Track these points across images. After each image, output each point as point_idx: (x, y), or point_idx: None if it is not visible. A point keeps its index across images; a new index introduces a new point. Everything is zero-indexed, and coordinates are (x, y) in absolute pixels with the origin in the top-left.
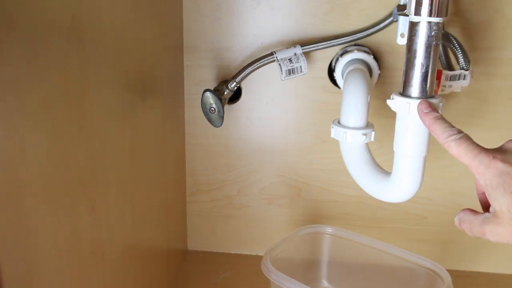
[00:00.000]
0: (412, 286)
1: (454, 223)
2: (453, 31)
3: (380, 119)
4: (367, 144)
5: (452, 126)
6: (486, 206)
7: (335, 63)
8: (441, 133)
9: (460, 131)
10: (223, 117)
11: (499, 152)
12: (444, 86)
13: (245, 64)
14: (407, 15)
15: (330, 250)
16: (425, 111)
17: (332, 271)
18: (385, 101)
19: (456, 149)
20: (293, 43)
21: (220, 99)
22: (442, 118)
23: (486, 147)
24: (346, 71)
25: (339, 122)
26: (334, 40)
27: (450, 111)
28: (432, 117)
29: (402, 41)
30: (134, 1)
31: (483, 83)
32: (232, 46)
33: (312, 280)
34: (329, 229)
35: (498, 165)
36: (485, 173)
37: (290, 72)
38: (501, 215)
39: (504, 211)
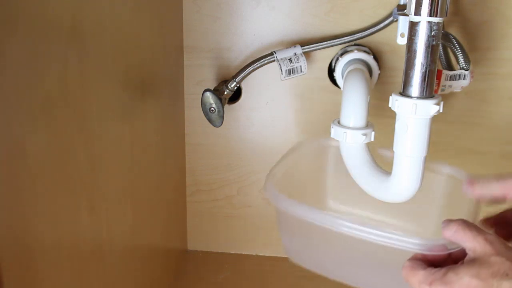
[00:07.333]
0: (433, 192)
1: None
2: (453, 31)
3: (380, 119)
4: (367, 144)
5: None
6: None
7: (335, 63)
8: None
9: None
10: (223, 117)
11: None
12: (444, 86)
13: (245, 64)
14: (407, 15)
15: (336, 163)
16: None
17: (337, 186)
18: (385, 101)
19: None
20: (293, 43)
21: (220, 99)
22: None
23: (486, 147)
24: (346, 71)
25: (339, 122)
26: (334, 40)
27: (450, 111)
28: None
29: (402, 41)
30: (134, 1)
31: (483, 83)
32: (232, 46)
33: (318, 202)
34: (333, 142)
35: None
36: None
37: (290, 72)
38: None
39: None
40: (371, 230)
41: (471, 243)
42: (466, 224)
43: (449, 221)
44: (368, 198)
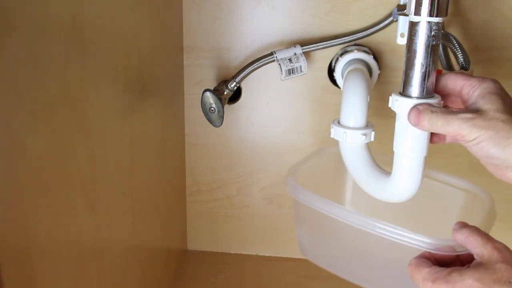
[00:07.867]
0: (448, 206)
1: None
2: (453, 31)
3: (380, 119)
4: (367, 144)
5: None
6: None
7: (335, 63)
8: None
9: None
10: (223, 117)
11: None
12: None
13: (245, 64)
14: (407, 15)
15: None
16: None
17: (355, 196)
18: (385, 101)
19: None
20: (293, 43)
21: (220, 99)
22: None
23: None
24: (346, 71)
25: (339, 122)
26: (334, 40)
27: None
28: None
29: (402, 41)
30: (134, 1)
31: None
32: (232, 46)
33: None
34: None
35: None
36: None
37: (290, 72)
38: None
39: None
40: (383, 226)
41: (480, 249)
42: (478, 231)
43: (462, 225)
44: (385, 210)
